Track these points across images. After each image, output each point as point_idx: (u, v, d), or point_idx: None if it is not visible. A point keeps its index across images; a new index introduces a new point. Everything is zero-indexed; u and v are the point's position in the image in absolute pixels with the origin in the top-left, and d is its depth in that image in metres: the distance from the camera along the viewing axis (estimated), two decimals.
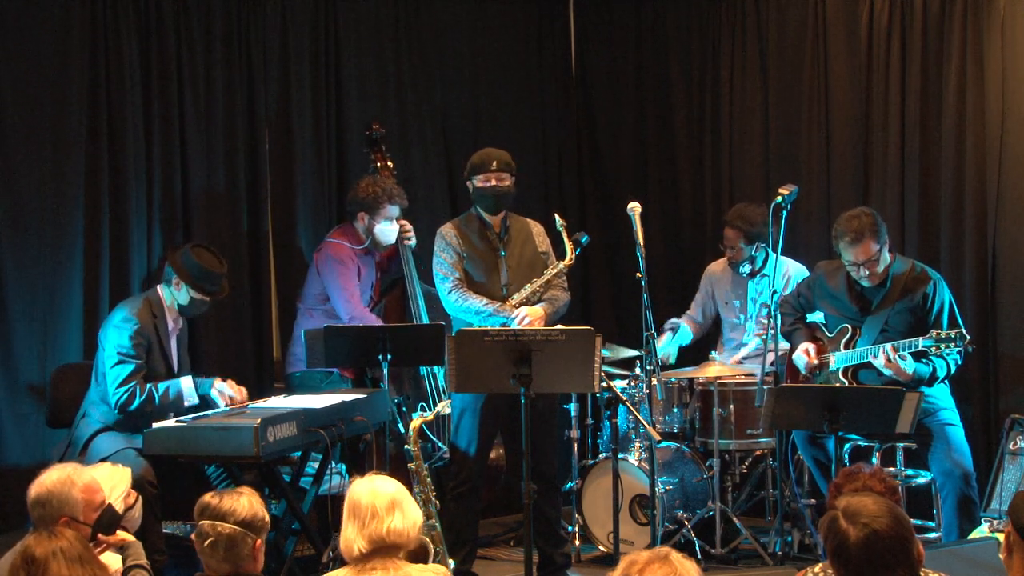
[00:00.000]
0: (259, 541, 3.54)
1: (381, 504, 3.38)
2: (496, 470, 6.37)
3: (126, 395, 5.14)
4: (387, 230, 6.19)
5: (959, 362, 5.45)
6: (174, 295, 5.38)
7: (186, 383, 5.26)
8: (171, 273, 5.36)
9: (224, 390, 5.29)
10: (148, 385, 5.19)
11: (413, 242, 6.32)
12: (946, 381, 5.53)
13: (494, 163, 5.55)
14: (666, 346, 6.55)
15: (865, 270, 5.42)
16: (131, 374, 5.17)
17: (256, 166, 6.43)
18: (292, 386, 6.10)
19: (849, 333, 5.55)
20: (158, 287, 5.44)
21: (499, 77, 7.52)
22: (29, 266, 5.71)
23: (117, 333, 5.21)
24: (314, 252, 6.25)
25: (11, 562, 3.19)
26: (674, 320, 6.70)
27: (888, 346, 5.32)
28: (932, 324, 5.39)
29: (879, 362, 5.33)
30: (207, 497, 3.58)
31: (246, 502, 3.54)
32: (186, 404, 5.23)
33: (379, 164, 6.44)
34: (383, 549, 3.36)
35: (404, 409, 6.09)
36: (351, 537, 3.38)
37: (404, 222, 6.35)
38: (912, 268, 5.53)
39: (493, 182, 5.55)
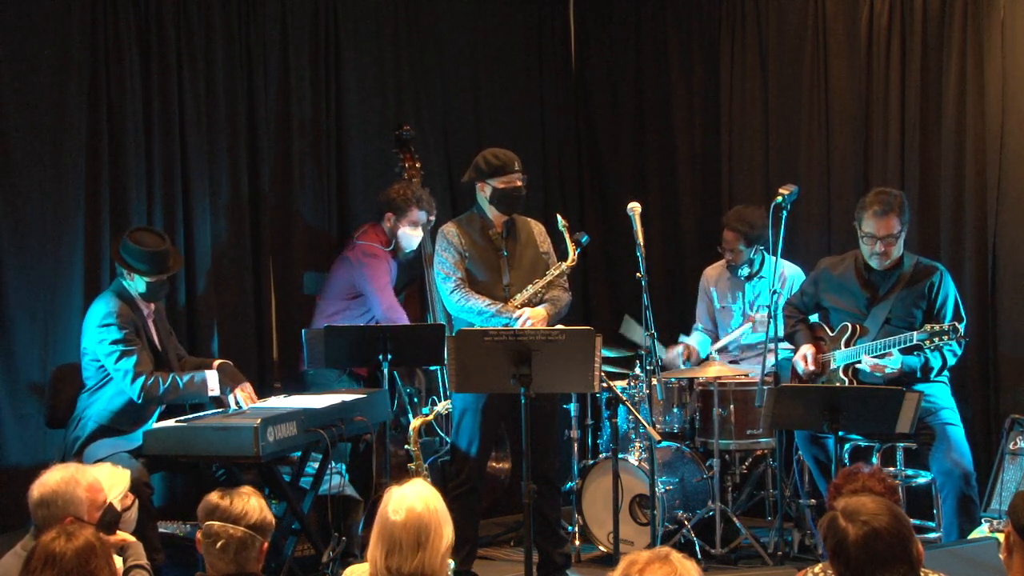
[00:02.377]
0: (265, 544, 3.55)
1: (408, 541, 3.30)
2: (497, 476, 6.38)
3: (150, 382, 5.11)
4: (410, 235, 6.28)
5: (957, 353, 5.45)
6: (133, 285, 5.31)
7: (211, 374, 5.24)
8: (119, 266, 5.30)
9: (239, 397, 5.26)
10: (171, 374, 5.17)
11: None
12: (946, 379, 5.54)
13: (516, 164, 5.53)
14: (685, 363, 6.49)
15: (881, 246, 5.42)
16: (140, 361, 5.13)
17: (256, 166, 6.43)
18: (306, 383, 6.12)
19: (849, 331, 5.55)
20: (120, 279, 5.35)
21: (499, 77, 7.53)
22: (30, 266, 5.70)
23: (105, 331, 5.17)
24: (346, 251, 6.30)
25: (30, 560, 3.18)
26: (684, 338, 6.63)
27: (868, 348, 5.35)
28: (936, 315, 5.40)
29: (864, 366, 5.35)
30: (215, 498, 3.55)
31: (256, 505, 3.53)
32: (210, 393, 5.20)
33: (407, 164, 6.49)
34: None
35: (416, 400, 6.11)
36: (373, 558, 3.34)
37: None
38: (917, 261, 5.56)
39: (517, 183, 5.53)
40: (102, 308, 5.23)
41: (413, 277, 6.53)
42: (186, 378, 5.19)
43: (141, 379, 5.11)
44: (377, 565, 3.32)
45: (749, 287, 6.44)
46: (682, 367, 6.42)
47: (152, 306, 5.43)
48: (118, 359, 5.15)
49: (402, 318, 6.09)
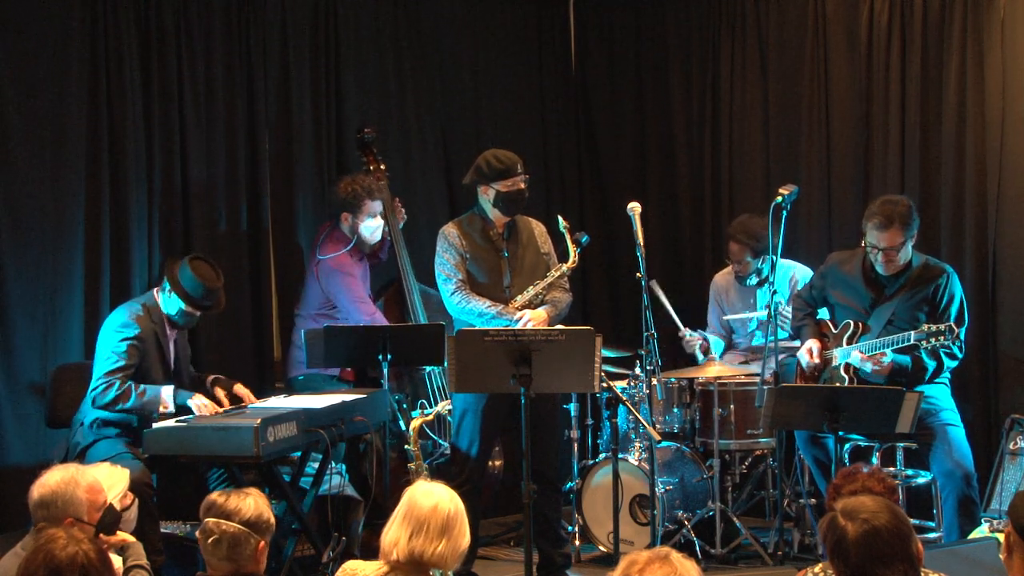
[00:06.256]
0: (262, 543, 3.56)
1: (435, 525, 3.44)
2: (491, 473, 6.37)
3: (103, 386, 5.09)
4: (371, 227, 6.17)
5: (958, 357, 5.43)
6: (168, 303, 5.30)
7: (166, 390, 5.16)
8: (167, 283, 5.28)
9: (201, 403, 5.18)
10: (128, 383, 5.12)
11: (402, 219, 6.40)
12: (947, 381, 5.53)
13: (519, 167, 5.51)
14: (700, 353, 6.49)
15: (883, 257, 5.40)
16: (114, 370, 5.13)
17: (256, 166, 6.43)
18: (295, 390, 6.09)
19: (852, 329, 5.54)
20: (155, 292, 5.36)
21: (499, 77, 7.52)
22: (30, 266, 5.70)
23: (115, 335, 5.18)
24: (312, 265, 6.19)
25: (25, 563, 3.17)
26: (703, 332, 6.63)
27: (863, 347, 5.35)
28: (940, 317, 5.38)
29: (856, 360, 5.35)
30: (214, 495, 3.61)
31: (252, 503, 3.57)
32: (162, 410, 5.11)
33: (372, 167, 6.44)
34: (420, 565, 3.42)
35: (404, 406, 6.10)
36: (395, 540, 3.43)
37: (396, 201, 6.38)
38: (926, 261, 5.53)
39: (521, 186, 5.51)
40: (126, 315, 5.23)
41: (389, 281, 6.47)
42: (140, 390, 5.12)
43: (101, 380, 5.10)
44: (399, 546, 3.42)
45: (760, 293, 6.39)
46: (697, 352, 6.43)
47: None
48: (104, 361, 5.15)
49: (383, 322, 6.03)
